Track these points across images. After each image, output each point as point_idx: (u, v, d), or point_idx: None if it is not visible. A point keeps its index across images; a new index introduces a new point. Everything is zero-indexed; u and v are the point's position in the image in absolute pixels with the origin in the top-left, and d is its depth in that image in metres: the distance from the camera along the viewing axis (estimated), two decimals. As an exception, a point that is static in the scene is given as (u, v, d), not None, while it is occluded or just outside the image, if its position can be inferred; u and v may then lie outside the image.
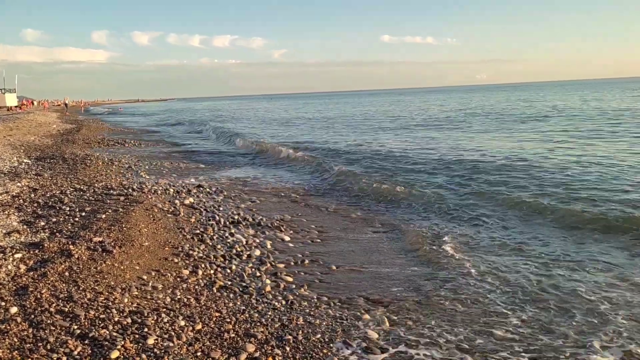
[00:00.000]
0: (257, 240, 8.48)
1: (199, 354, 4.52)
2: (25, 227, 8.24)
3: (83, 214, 9.21)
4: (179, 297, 5.80)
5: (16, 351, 4.31)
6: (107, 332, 4.74)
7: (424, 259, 7.53)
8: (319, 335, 5.07)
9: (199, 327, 5.05)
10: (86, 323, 4.88)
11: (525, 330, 5.20)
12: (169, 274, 6.51)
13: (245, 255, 7.63)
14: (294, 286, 6.51)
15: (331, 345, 4.88)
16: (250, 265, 7.24)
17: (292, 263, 7.45)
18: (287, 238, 8.73)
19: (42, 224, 8.45)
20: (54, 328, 4.74)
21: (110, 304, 5.38)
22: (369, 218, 10.26)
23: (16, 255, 6.70)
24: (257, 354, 4.61)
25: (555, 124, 29.20)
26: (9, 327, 4.69)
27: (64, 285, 5.77)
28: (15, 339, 4.50)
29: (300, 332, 5.10)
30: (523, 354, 4.74)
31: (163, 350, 4.49)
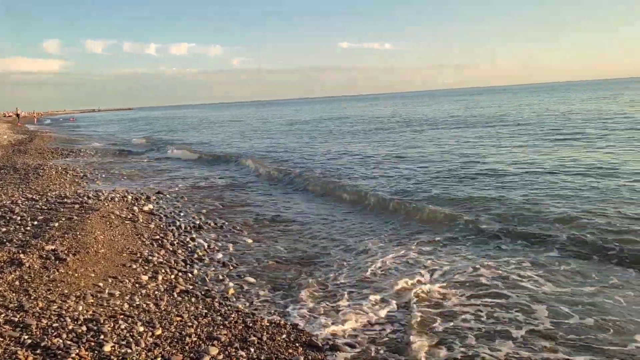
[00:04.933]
0: (220, 244, 8.31)
1: (159, 359, 4.34)
2: (-29, 238, 7.79)
3: (35, 222, 8.80)
4: (137, 303, 5.58)
5: (-40, 365, 4.03)
6: (61, 340, 4.49)
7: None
8: (284, 336, 4.96)
9: (158, 332, 4.86)
10: (38, 332, 4.62)
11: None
12: (127, 280, 6.27)
13: (208, 259, 7.46)
14: (257, 288, 6.39)
15: (296, 344, 4.78)
16: (213, 268, 7.08)
17: (256, 265, 7.33)
18: (249, 240, 8.59)
19: (-9, 234, 8.01)
20: (2, 339, 4.46)
21: (63, 312, 5.12)
22: (334, 219, 10.21)
23: (-39, 267, 6.31)
24: (220, 357, 4.46)
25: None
26: (-48, 341, 4.39)
27: (13, 294, 5.46)
28: (-41, 353, 4.21)
29: (265, 333, 4.98)
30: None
31: (121, 357, 4.29)
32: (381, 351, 4.73)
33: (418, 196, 11.34)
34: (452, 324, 5.21)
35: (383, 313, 5.53)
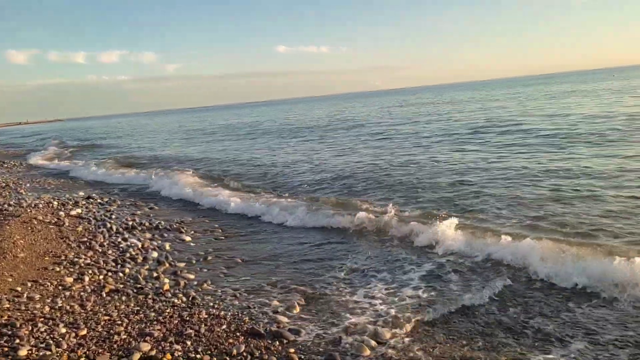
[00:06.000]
0: (155, 243, 7.84)
1: (82, 358, 3.92)
2: None
3: (-55, 232, 7.96)
4: (60, 305, 5.09)
5: None
6: (-33, 349, 3.98)
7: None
8: (224, 326, 4.65)
9: (83, 332, 4.42)
10: (-62, 343, 4.07)
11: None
12: (49, 283, 5.73)
13: (141, 258, 6.99)
14: (195, 283, 6.02)
15: (237, 334, 4.48)
16: (147, 267, 6.63)
17: (194, 261, 6.94)
18: (188, 238, 8.16)
19: None
20: None
21: (-28, 319, 4.57)
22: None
23: None
24: (152, 352, 4.09)
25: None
26: None
27: None
28: None
29: (204, 325, 4.65)
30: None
31: (38, 360, 3.84)
32: (325, 337, 4.51)
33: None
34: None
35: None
